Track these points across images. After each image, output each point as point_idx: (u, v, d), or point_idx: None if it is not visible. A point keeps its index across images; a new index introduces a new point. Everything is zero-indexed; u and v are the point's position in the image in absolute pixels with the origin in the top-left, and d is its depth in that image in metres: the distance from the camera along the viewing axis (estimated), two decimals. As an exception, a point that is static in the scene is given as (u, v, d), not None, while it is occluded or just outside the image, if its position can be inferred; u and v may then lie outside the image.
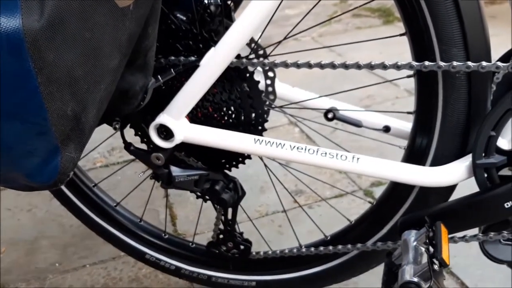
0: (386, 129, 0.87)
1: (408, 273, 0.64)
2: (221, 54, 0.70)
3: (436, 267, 0.63)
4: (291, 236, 1.01)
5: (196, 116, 0.79)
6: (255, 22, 0.68)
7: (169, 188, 0.83)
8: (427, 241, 0.67)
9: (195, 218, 1.33)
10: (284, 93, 0.98)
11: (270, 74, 0.96)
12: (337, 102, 0.92)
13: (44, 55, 0.50)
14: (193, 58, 0.73)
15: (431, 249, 0.65)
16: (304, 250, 0.91)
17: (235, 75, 0.75)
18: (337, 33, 2.71)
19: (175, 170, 0.81)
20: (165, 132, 0.77)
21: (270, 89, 0.96)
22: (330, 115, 0.88)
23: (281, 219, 1.34)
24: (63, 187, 1.01)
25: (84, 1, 0.52)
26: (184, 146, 0.79)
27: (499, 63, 0.64)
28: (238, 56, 0.72)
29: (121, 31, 0.57)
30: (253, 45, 0.90)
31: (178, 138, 0.76)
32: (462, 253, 1.13)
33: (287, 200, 1.29)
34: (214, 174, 0.82)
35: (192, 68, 0.72)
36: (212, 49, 0.71)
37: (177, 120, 0.75)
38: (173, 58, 0.74)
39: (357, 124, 0.87)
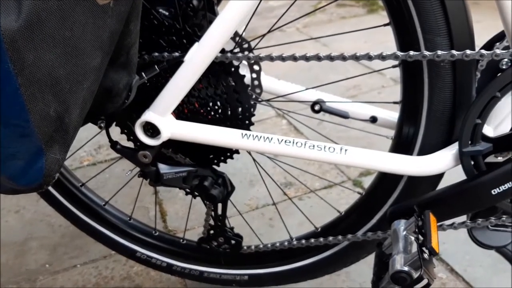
0: (373, 119, 0.88)
1: (399, 262, 0.65)
2: (205, 49, 0.69)
3: (426, 255, 0.64)
4: (282, 228, 1.01)
5: (182, 112, 0.78)
6: (239, 16, 0.67)
7: (158, 186, 0.82)
8: (417, 230, 0.67)
9: (185, 214, 1.33)
10: (270, 86, 0.98)
11: (256, 67, 0.95)
12: (323, 94, 0.92)
13: (24, 56, 0.49)
14: (177, 54, 0.72)
15: (421, 238, 0.66)
16: (295, 242, 0.91)
17: (220, 70, 0.74)
18: (322, 23, 2.71)
19: (163, 168, 0.80)
20: (151, 130, 0.76)
21: (256, 82, 0.95)
22: (316, 107, 0.88)
23: (272, 212, 1.34)
24: (50, 188, 0.99)
25: (63, 0, 0.51)
26: (171, 143, 0.79)
27: (483, 51, 0.64)
28: (223, 51, 0.72)
29: (102, 29, 0.56)
30: (237, 38, 0.90)
31: (164, 135, 0.75)
32: (451, 239, 1.15)
33: (277, 192, 1.29)
34: (202, 170, 0.81)
35: (176, 64, 0.71)
36: (196, 44, 0.70)
37: (163, 117, 0.75)
38: (157, 54, 0.73)
39: (344, 116, 0.87)
